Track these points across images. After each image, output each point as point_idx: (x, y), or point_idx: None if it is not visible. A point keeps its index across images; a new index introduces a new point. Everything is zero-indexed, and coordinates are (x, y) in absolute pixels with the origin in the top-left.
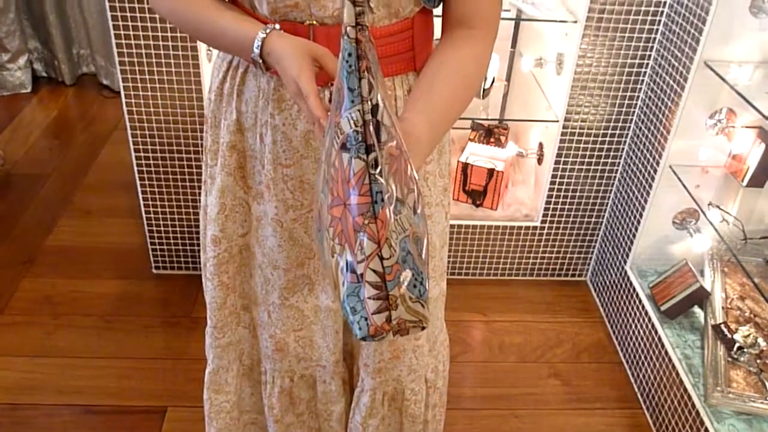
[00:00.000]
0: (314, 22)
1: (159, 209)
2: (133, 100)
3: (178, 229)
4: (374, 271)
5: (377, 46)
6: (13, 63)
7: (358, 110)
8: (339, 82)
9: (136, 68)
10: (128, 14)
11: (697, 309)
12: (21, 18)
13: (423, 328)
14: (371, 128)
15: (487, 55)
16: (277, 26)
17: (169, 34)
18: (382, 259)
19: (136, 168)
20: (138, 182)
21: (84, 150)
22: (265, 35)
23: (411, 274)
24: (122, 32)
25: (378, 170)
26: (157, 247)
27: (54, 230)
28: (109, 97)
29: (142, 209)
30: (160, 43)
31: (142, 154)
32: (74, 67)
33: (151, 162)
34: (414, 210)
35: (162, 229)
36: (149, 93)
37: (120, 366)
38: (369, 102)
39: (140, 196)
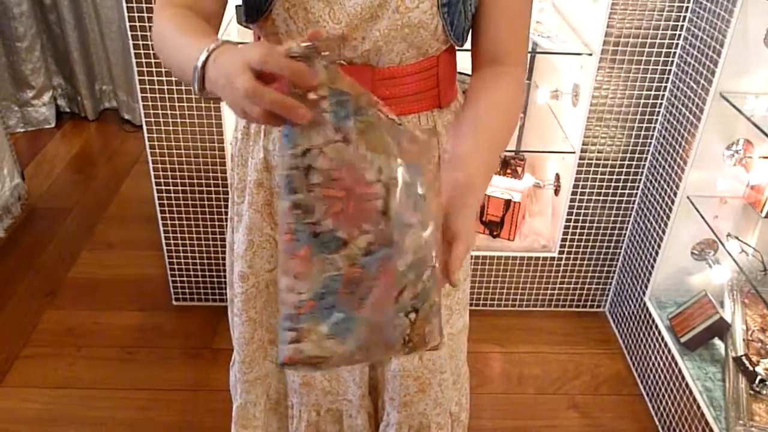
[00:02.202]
0: (342, 62)
1: (179, 242)
2: (155, 135)
3: (198, 261)
4: (290, 303)
5: (404, 84)
6: (37, 99)
7: (290, 154)
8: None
9: (158, 103)
10: (150, 51)
11: (717, 341)
12: (46, 55)
13: (334, 365)
14: (297, 172)
15: (520, 90)
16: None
17: None
18: (297, 293)
19: (157, 201)
20: (159, 215)
21: (106, 184)
22: (217, 45)
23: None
24: (145, 69)
25: (300, 211)
26: (177, 279)
27: (76, 263)
28: (130, 132)
29: (163, 242)
30: None
31: (163, 188)
32: (97, 102)
33: (172, 195)
34: (367, 252)
35: (182, 261)
36: (170, 127)
37: (140, 397)
38: (298, 147)
39: (161, 228)
